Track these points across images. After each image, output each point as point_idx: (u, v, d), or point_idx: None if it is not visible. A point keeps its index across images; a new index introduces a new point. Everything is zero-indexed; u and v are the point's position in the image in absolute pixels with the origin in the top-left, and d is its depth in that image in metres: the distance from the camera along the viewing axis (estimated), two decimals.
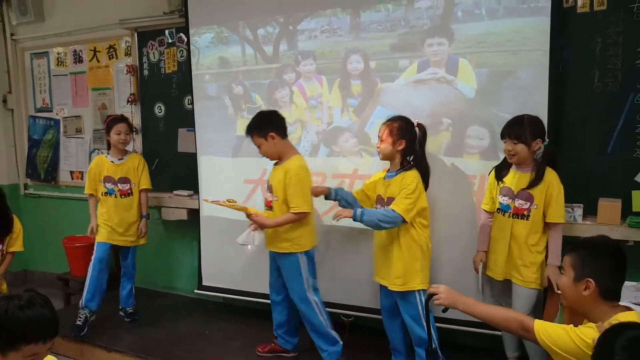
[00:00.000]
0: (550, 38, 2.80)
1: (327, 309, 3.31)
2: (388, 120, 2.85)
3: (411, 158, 2.81)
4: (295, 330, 3.32)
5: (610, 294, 1.66)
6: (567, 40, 2.91)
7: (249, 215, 3.03)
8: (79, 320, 3.68)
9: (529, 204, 2.68)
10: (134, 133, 3.89)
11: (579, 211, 2.89)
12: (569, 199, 2.77)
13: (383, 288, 2.97)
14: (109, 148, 3.89)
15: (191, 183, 4.04)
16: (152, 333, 3.76)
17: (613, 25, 2.82)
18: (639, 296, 2.35)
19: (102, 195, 3.81)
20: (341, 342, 3.15)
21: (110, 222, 3.78)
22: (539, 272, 2.69)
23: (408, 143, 2.79)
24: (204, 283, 4.06)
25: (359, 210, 2.78)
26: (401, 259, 2.81)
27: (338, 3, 3.34)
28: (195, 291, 4.11)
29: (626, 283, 1.76)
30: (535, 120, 2.67)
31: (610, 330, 1.34)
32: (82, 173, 4.92)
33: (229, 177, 3.83)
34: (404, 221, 2.71)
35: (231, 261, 3.88)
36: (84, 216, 4.86)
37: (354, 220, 2.79)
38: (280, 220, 3.00)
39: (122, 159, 3.82)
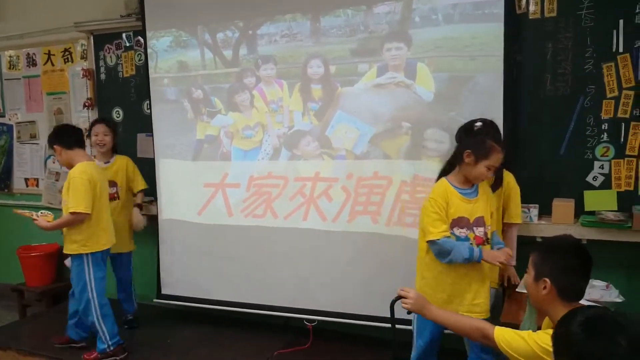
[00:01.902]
0: (505, 43, 2.87)
1: (291, 314, 3.31)
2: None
3: None
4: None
5: (569, 294, 1.67)
6: (520, 45, 3.00)
7: (34, 221, 3.24)
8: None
9: None
10: (115, 135, 3.74)
11: (534, 211, 2.98)
12: (525, 199, 2.85)
13: None
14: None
15: (151, 189, 3.96)
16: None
17: (563, 31, 2.92)
18: (592, 293, 2.43)
19: None
20: (112, 340, 3.29)
21: None
22: (495, 271, 2.74)
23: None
24: (163, 292, 3.98)
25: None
26: (484, 281, 2.50)
27: (298, 8, 3.35)
28: (155, 300, 4.03)
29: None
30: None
31: (569, 312, 1.36)
32: (37, 180, 4.79)
33: (188, 181, 3.79)
34: None
35: (191, 268, 3.83)
36: None
37: None
38: (58, 222, 3.22)
39: (108, 162, 3.74)
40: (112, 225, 3.40)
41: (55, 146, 3.29)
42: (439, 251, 2.37)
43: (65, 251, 3.32)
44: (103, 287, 3.30)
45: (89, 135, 3.72)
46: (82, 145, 3.33)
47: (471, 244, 2.39)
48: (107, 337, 3.30)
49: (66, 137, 3.28)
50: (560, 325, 1.33)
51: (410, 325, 2.62)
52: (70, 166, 3.24)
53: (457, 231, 2.40)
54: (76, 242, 3.20)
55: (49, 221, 3.24)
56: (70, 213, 3.12)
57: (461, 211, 2.39)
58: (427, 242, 2.39)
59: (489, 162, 2.33)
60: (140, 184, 3.83)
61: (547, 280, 1.68)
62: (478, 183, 2.44)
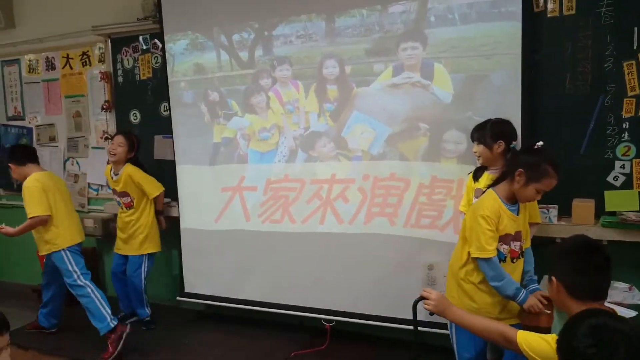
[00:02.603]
0: (522, 42, 2.84)
1: (308, 314, 3.31)
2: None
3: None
4: (57, 312, 3.92)
5: (580, 293, 1.64)
6: (538, 44, 2.96)
7: (0, 230, 3.55)
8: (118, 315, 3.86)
9: None
10: (132, 148, 3.82)
11: (554, 212, 2.93)
12: (544, 199, 2.78)
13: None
14: None
15: (168, 190, 3.99)
16: (130, 340, 3.71)
17: (582, 29, 2.87)
18: (614, 295, 2.39)
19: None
20: (114, 320, 3.45)
21: (119, 232, 3.94)
22: None
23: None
24: (186, 290, 4.02)
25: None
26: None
27: (313, 9, 3.35)
28: (178, 298, 4.06)
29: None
30: (497, 123, 2.69)
31: (575, 317, 1.36)
32: None
33: (207, 186, 3.82)
34: None
35: (213, 270, 3.86)
36: None
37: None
38: (20, 228, 3.55)
39: (118, 173, 3.83)
40: (80, 223, 3.79)
41: (9, 164, 3.64)
42: (495, 274, 2.32)
43: (40, 253, 3.72)
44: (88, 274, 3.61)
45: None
46: (34, 161, 3.66)
47: (505, 257, 2.37)
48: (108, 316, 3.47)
49: (17, 155, 3.67)
50: (564, 332, 1.34)
51: (430, 327, 2.60)
52: (24, 179, 3.57)
53: (500, 247, 2.36)
54: (47, 242, 3.56)
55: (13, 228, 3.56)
56: (30, 218, 3.48)
57: (508, 228, 2.35)
58: (481, 259, 2.33)
59: (540, 186, 2.26)
60: (150, 191, 3.83)
61: (554, 278, 1.68)
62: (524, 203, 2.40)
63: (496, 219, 2.32)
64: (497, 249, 2.35)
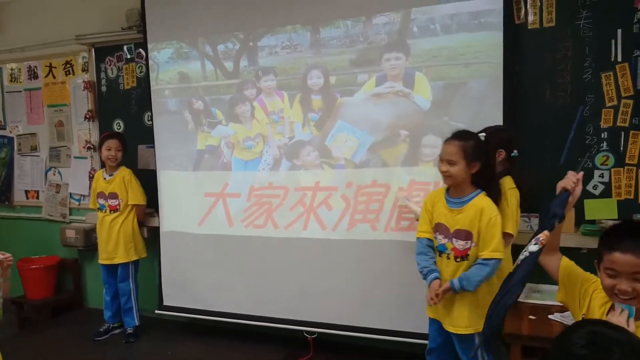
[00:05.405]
0: (504, 53, 2.88)
1: (291, 326, 3.33)
2: (458, 139, 2.38)
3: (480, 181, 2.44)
4: None
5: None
6: (519, 55, 3.01)
7: None
8: (101, 329, 3.97)
9: None
10: (125, 150, 3.89)
11: (535, 220, 2.97)
12: (526, 209, 2.83)
13: (435, 324, 2.58)
14: (102, 165, 3.98)
15: (152, 200, 3.96)
16: (111, 353, 3.66)
17: (562, 41, 2.93)
18: None
19: (97, 211, 3.90)
20: None
21: (101, 241, 3.87)
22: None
23: (483, 165, 2.37)
24: (165, 303, 3.97)
25: (456, 282, 2.38)
26: (471, 298, 2.43)
27: (298, 20, 3.37)
28: (156, 311, 4.01)
29: None
30: (498, 131, 2.65)
31: (573, 324, 1.36)
32: (37, 192, 4.79)
33: (189, 191, 3.80)
34: None
35: (192, 280, 3.82)
36: (40, 236, 4.72)
37: (455, 292, 2.40)
38: None
39: (112, 174, 3.85)
40: None
41: None
42: (417, 250, 2.56)
43: None
44: None
45: (99, 148, 3.86)
46: None
47: (448, 253, 2.48)
48: None
49: None
50: (560, 336, 1.34)
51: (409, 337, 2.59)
52: None
53: (436, 236, 2.50)
54: None
55: None
56: None
57: (441, 217, 2.50)
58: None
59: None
60: (132, 197, 3.82)
61: None
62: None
63: (430, 207, 2.50)
64: (435, 238, 2.48)
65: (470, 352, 2.43)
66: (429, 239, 2.51)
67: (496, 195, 2.42)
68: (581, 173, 1.75)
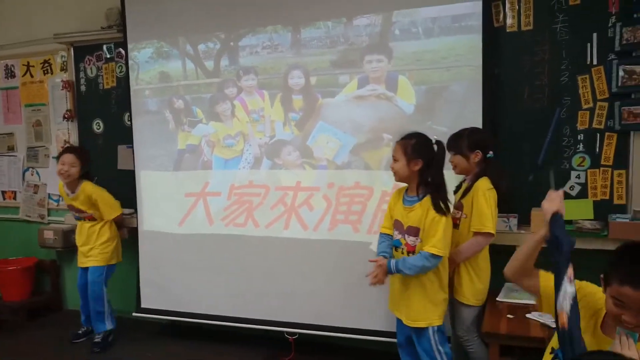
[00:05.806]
0: (483, 55, 2.92)
1: (272, 327, 3.31)
2: (403, 138, 2.54)
3: (429, 181, 2.51)
4: None
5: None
6: (498, 58, 3.05)
7: None
8: (79, 331, 3.94)
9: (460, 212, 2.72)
10: (84, 164, 3.67)
11: (514, 221, 3.01)
12: (505, 209, 2.87)
13: (399, 321, 2.70)
14: None
15: (132, 201, 3.92)
16: (88, 356, 3.61)
17: (539, 44, 2.98)
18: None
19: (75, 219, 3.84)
20: None
21: (79, 245, 3.79)
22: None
23: (425, 163, 2.48)
24: (143, 305, 3.93)
25: (392, 263, 2.51)
26: (422, 293, 2.54)
27: (279, 20, 3.38)
28: (134, 314, 3.95)
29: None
30: (475, 132, 2.71)
31: (582, 354, 1.34)
32: (14, 193, 4.71)
33: (170, 191, 3.77)
34: None
35: (172, 281, 3.79)
36: (17, 238, 4.64)
37: (390, 274, 2.55)
38: None
39: (74, 191, 3.68)
40: None
41: None
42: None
43: None
44: None
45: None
46: None
47: (403, 248, 2.59)
48: None
49: None
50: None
51: (391, 337, 2.62)
52: None
53: (394, 232, 2.64)
54: None
55: None
56: None
57: (397, 214, 2.63)
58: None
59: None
60: (107, 214, 3.71)
61: None
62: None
63: (393, 204, 2.66)
64: (393, 234, 2.63)
65: (425, 345, 2.56)
66: (389, 235, 2.66)
67: (442, 200, 2.46)
68: (562, 190, 1.74)
